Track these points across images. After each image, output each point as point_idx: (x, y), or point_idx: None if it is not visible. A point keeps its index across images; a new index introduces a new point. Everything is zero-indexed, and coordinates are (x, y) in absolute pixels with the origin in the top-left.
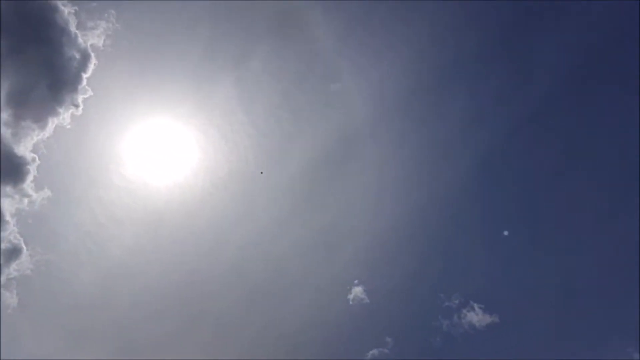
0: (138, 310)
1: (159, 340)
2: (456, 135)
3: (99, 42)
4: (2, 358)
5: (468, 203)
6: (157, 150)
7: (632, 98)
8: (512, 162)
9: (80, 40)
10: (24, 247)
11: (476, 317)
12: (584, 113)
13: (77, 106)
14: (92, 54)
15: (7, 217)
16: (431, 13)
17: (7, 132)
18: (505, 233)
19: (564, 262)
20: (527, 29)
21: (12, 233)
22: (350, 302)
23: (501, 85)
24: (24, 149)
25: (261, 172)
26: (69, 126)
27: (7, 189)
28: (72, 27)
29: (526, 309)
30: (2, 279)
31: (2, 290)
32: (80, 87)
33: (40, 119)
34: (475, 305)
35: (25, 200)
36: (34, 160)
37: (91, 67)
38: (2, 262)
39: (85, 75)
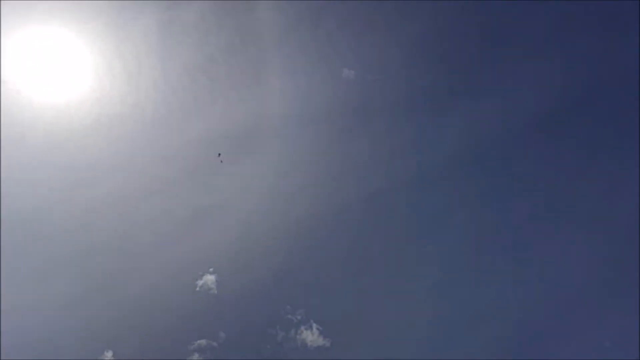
0: None
1: None
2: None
3: None
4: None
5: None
6: (47, 63)
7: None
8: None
9: None
10: None
11: (311, 336)
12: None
13: None
14: None
15: None
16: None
17: None
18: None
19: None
20: None
21: None
22: (197, 289)
23: None
24: None
25: (219, 155)
26: None
27: None
28: None
29: (358, 341)
30: None
31: None
32: None
33: None
34: (315, 326)
35: None
36: None
37: None
38: None
39: None
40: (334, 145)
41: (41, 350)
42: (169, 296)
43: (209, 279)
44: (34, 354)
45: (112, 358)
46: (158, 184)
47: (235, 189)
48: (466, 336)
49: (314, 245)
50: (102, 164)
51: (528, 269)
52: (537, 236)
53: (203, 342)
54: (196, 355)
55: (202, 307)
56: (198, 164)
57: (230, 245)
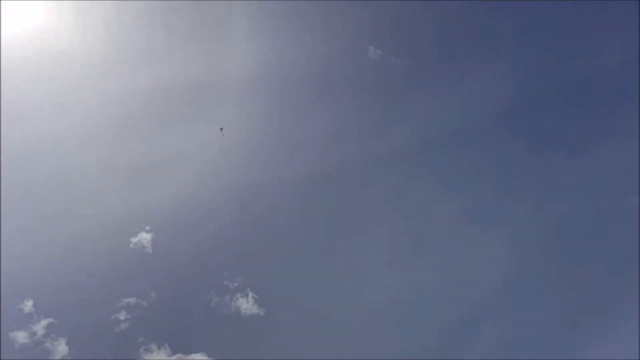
0: None
1: None
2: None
3: None
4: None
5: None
6: None
7: None
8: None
9: None
10: None
11: (246, 304)
12: None
13: None
14: None
15: None
16: None
17: None
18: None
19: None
20: None
21: None
22: (131, 246)
23: None
24: None
25: (221, 129)
26: None
27: None
28: None
29: (292, 313)
30: None
31: None
32: None
33: None
34: (251, 294)
35: None
36: None
37: None
38: None
39: None
40: (296, 114)
41: None
42: (100, 249)
43: (145, 237)
44: None
45: (32, 308)
46: (103, 131)
47: (183, 146)
48: (391, 320)
49: (258, 214)
50: (40, 101)
51: (459, 263)
52: (469, 233)
53: (132, 300)
54: (123, 313)
55: (134, 265)
56: (146, 115)
57: (171, 205)
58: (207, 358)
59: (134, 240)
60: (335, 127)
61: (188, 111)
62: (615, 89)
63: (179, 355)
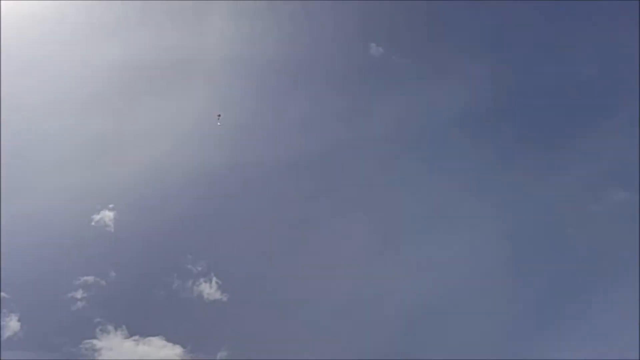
0: None
1: None
2: None
3: None
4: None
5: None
6: None
7: None
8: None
9: None
10: None
11: (209, 289)
12: None
13: None
14: None
15: None
16: None
17: None
18: None
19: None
20: None
21: None
22: (93, 223)
23: None
24: None
25: (218, 116)
26: None
27: None
28: None
29: (256, 301)
30: None
31: None
32: None
33: None
34: (215, 279)
35: None
36: None
37: None
38: None
39: None
40: (274, 100)
41: None
42: (59, 225)
43: (107, 215)
44: None
45: None
46: (70, 104)
47: (152, 124)
48: (357, 313)
49: (227, 197)
50: (4, 72)
51: (427, 259)
52: (439, 229)
53: (90, 278)
54: (80, 292)
55: (94, 243)
56: (116, 90)
57: (136, 184)
58: (165, 342)
59: (96, 217)
60: (312, 115)
61: (159, 88)
62: (602, 89)
63: (136, 337)
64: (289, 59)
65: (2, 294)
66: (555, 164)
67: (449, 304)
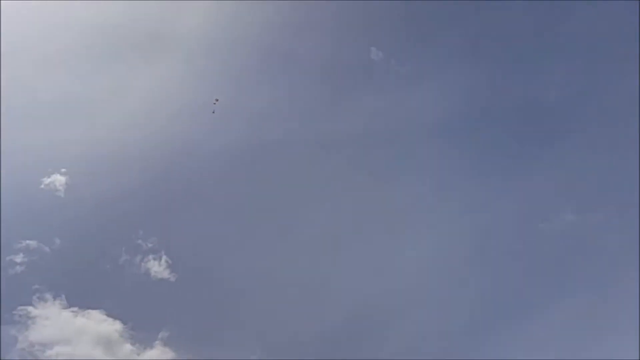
0: None
1: None
2: None
3: None
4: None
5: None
6: None
7: None
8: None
9: None
10: None
11: (157, 267)
12: None
13: None
14: None
15: None
16: None
17: None
18: None
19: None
20: None
21: None
22: (42, 186)
23: None
24: None
25: (215, 100)
26: None
27: None
28: None
29: (204, 283)
30: None
31: None
32: None
33: None
34: (165, 258)
35: None
36: None
37: None
38: None
39: None
40: (244, 82)
41: None
42: (6, 185)
43: (58, 179)
44: None
45: None
46: (28, 63)
47: (118, 91)
48: (302, 301)
49: (188, 178)
50: None
51: (379, 257)
52: (394, 229)
53: (33, 243)
54: (21, 255)
55: (41, 207)
56: (82, 51)
57: (93, 150)
58: (105, 316)
59: (47, 181)
60: (278, 102)
61: (130, 57)
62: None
63: (75, 308)
64: (271, 44)
65: None
66: (515, 180)
67: (386, 304)
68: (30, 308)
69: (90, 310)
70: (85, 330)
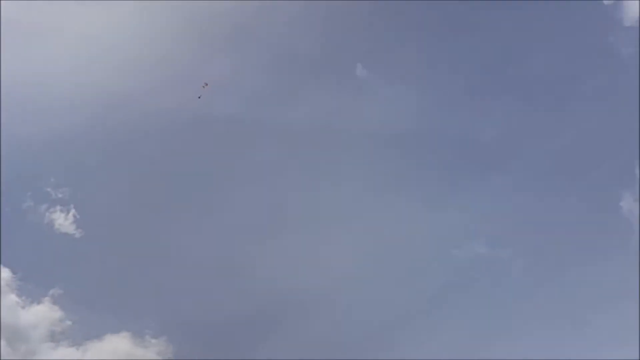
0: None
1: None
2: None
3: None
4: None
5: None
6: None
7: None
8: None
9: None
10: None
11: (63, 221)
12: None
13: None
14: None
15: None
16: None
17: None
18: None
19: None
20: None
21: None
22: None
23: None
24: None
25: (205, 84)
26: None
27: None
28: None
29: (111, 242)
30: None
31: None
32: None
33: None
34: (73, 212)
35: None
36: None
37: None
38: None
39: None
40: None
41: None
42: None
43: None
44: None
45: None
46: None
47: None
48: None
49: (116, 135)
50: None
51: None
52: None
53: None
54: None
55: None
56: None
57: (21, 82)
58: None
59: None
60: (228, 76)
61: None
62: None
63: None
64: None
65: None
66: (440, 204)
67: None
68: None
69: None
70: None
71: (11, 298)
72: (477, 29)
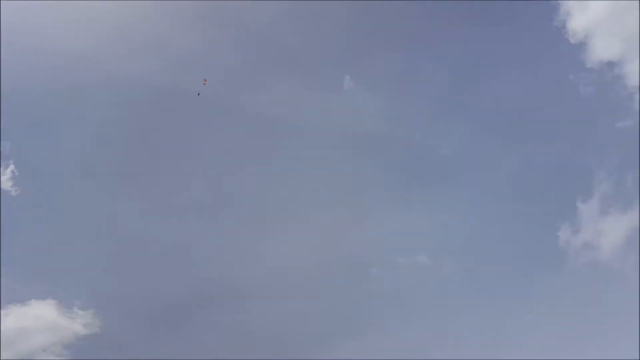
0: None
1: None
2: None
3: None
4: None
5: None
6: None
7: None
8: None
9: None
10: None
11: (2, 178)
12: None
13: None
14: None
15: None
16: None
17: None
18: None
19: None
20: None
21: None
22: None
23: None
24: None
25: (204, 81)
26: None
27: None
28: None
29: (51, 202)
30: None
31: None
32: None
33: None
34: (12, 168)
35: None
36: None
37: None
38: None
39: None
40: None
41: None
42: None
43: None
44: None
45: None
46: None
47: None
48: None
49: (70, 94)
50: None
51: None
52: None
53: None
54: None
55: None
56: None
57: None
58: None
59: None
60: (193, 52)
61: None
62: None
63: None
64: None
65: None
66: (389, 213)
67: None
68: None
69: None
70: None
71: None
72: (454, 49)
